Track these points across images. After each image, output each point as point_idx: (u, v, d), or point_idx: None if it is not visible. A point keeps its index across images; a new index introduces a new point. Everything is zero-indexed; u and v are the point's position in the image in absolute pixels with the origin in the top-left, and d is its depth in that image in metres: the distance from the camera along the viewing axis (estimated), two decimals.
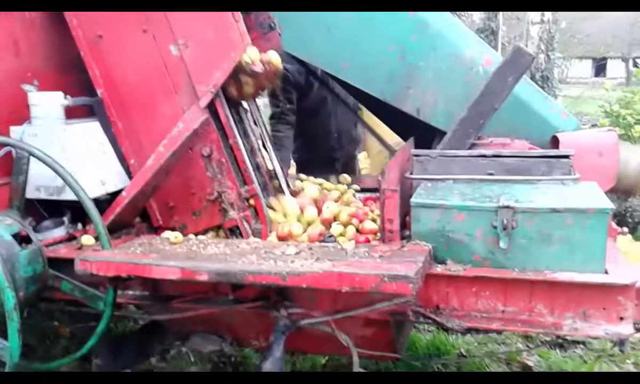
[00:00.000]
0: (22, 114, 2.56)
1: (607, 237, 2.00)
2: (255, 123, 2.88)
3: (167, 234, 2.48)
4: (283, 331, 2.24)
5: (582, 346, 3.52)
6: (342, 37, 2.95)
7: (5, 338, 2.03)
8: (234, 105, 2.71)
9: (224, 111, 2.58)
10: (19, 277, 2.23)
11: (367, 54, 2.94)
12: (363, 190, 3.27)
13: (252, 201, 2.62)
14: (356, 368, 2.25)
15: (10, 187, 2.40)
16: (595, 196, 2.10)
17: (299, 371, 3.21)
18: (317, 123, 4.00)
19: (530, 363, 3.35)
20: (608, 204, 1.99)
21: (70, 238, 2.58)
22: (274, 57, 2.70)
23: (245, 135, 2.75)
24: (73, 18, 2.59)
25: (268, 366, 2.22)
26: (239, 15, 2.45)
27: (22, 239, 2.34)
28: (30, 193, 2.49)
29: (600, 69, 26.40)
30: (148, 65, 2.54)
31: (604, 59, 26.11)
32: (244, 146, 2.67)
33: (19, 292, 2.15)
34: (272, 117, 3.89)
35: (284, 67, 3.70)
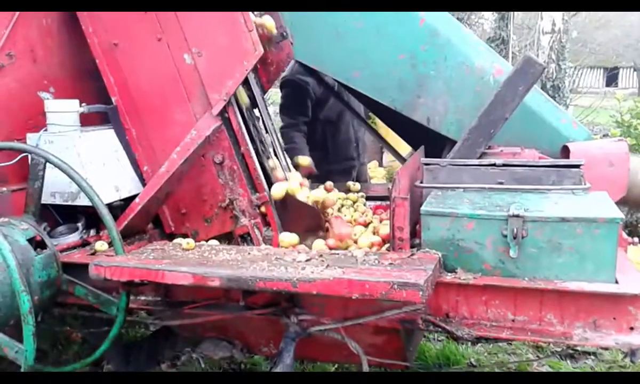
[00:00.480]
0: (38, 122, 2.61)
1: (618, 247, 2.00)
2: (266, 131, 2.91)
3: (179, 240, 2.51)
4: (293, 338, 2.25)
5: (593, 356, 3.50)
6: (353, 46, 2.97)
7: (21, 341, 2.06)
8: (246, 112, 2.74)
9: (236, 119, 2.62)
10: (34, 281, 2.26)
11: (378, 63, 2.96)
12: (373, 198, 3.29)
13: (263, 208, 2.64)
14: None
15: (26, 193, 2.44)
16: (605, 205, 2.10)
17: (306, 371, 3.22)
18: (337, 133, 4.06)
19: None
20: (618, 213, 1.99)
21: (84, 244, 2.62)
22: (268, 22, 2.73)
23: (257, 142, 2.77)
24: (89, 25, 2.63)
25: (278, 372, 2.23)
26: (251, 24, 2.48)
27: (37, 244, 2.37)
28: (46, 199, 2.53)
29: (611, 78, 26.25)
30: (162, 74, 2.58)
31: (616, 68, 25.98)
32: (256, 153, 2.69)
33: (33, 296, 2.18)
34: (284, 127, 3.91)
35: (304, 81, 3.77)
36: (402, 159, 3.87)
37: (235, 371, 3.32)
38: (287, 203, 2.65)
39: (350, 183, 3.42)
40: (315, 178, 3.84)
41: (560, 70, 9.50)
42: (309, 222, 2.65)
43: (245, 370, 3.34)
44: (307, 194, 2.68)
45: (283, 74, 4.01)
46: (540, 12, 9.45)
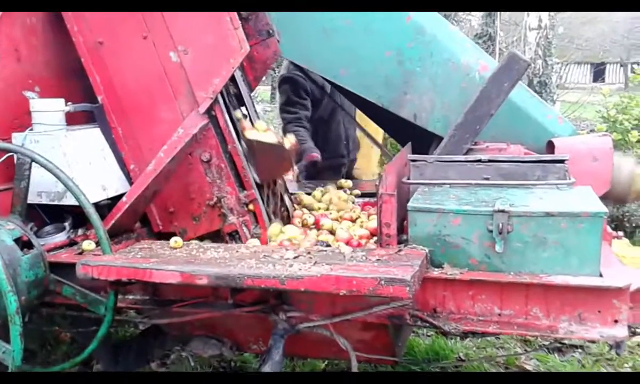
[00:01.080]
0: (24, 121, 2.59)
1: (602, 241, 2.02)
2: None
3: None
4: (282, 335, 2.26)
5: (580, 350, 3.54)
6: (340, 43, 2.98)
7: (8, 341, 2.05)
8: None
9: (223, 117, 2.61)
10: (21, 281, 2.25)
11: (365, 60, 2.97)
12: (362, 195, 3.30)
13: (251, 206, 2.64)
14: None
15: (12, 193, 2.43)
16: (589, 200, 2.13)
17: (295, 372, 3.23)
18: (329, 131, 4.13)
19: (528, 367, 3.37)
20: (602, 208, 2.01)
21: (72, 243, 2.60)
22: None
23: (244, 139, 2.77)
24: (74, 24, 2.62)
25: (267, 369, 2.24)
26: (237, 22, 2.48)
27: (24, 244, 2.36)
28: (32, 198, 2.51)
29: (598, 74, 26.45)
30: (148, 72, 2.57)
31: (603, 64, 26.17)
32: (243, 151, 2.69)
33: (20, 296, 2.17)
34: (287, 123, 3.93)
35: (301, 76, 3.80)
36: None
37: (225, 371, 3.32)
38: (255, 147, 2.68)
39: (342, 180, 3.44)
40: (309, 175, 3.89)
41: (547, 66, 9.57)
42: (277, 161, 2.71)
43: (235, 368, 3.35)
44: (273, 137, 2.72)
45: (280, 74, 4.04)
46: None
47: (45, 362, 3.22)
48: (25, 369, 2.20)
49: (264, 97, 15.64)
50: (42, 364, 3.14)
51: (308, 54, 3.08)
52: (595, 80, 25.02)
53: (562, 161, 2.36)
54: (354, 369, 2.27)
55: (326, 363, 3.32)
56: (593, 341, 3.31)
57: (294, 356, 3.25)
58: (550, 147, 2.73)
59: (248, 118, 2.85)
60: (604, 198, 2.51)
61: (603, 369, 3.33)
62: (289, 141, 2.80)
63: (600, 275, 2.01)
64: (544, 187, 2.31)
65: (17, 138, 2.56)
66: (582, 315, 2.00)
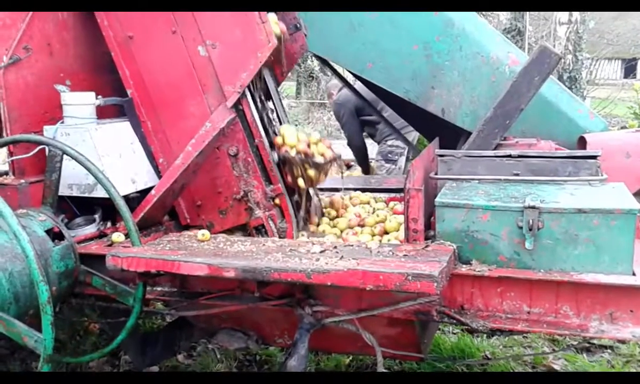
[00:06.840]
0: (55, 114, 2.64)
1: (635, 238, 1.98)
2: (281, 123, 2.91)
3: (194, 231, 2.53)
4: (308, 329, 2.26)
5: (609, 350, 3.47)
6: (367, 37, 2.97)
7: (39, 330, 2.09)
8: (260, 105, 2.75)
9: (251, 111, 2.62)
10: (52, 272, 2.29)
11: (392, 54, 2.95)
12: (388, 190, 3.28)
13: (277, 200, 2.65)
14: (380, 368, 2.26)
15: (43, 185, 2.47)
16: (622, 196, 2.09)
17: (322, 371, 3.23)
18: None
19: (556, 367, 3.32)
20: (635, 205, 1.97)
21: (101, 235, 2.64)
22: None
23: (271, 134, 2.78)
24: (104, 19, 2.65)
25: (292, 363, 2.24)
26: (265, 16, 2.48)
27: (55, 236, 2.40)
28: (63, 191, 2.56)
29: (630, 70, 25.83)
30: (177, 66, 2.59)
31: (634, 59, 25.56)
32: (270, 145, 2.70)
33: (52, 286, 2.21)
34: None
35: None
36: None
37: (251, 368, 3.34)
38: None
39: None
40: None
41: (577, 62, 9.41)
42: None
43: (261, 361, 3.36)
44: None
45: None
46: None
47: (75, 352, 3.28)
48: (56, 359, 2.23)
49: (290, 92, 15.65)
50: (72, 354, 3.20)
51: (335, 48, 3.08)
52: (626, 76, 24.46)
53: (594, 157, 2.31)
54: (380, 364, 2.26)
55: (351, 358, 3.31)
56: (624, 342, 3.24)
57: (319, 351, 3.25)
58: (582, 143, 2.68)
59: (276, 114, 2.85)
60: (638, 195, 2.46)
61: (634, 371, 3.26)
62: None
63: (633, 274, 1.96)
64: (576, 183, 2.27)
65: (48, 131, 2.61)
66: (614, 314, 1.96)
